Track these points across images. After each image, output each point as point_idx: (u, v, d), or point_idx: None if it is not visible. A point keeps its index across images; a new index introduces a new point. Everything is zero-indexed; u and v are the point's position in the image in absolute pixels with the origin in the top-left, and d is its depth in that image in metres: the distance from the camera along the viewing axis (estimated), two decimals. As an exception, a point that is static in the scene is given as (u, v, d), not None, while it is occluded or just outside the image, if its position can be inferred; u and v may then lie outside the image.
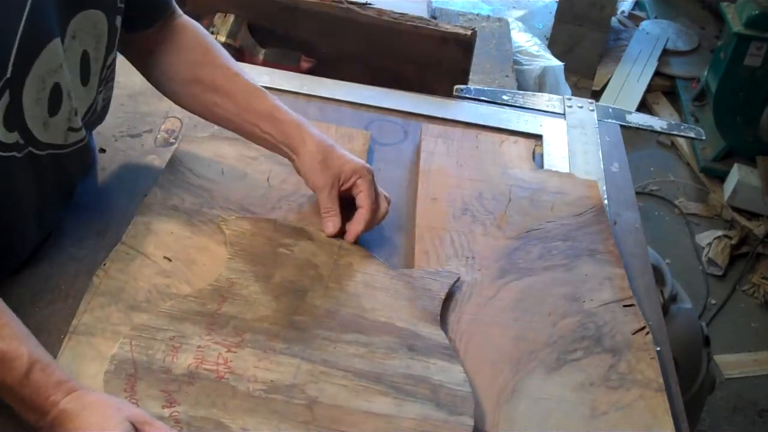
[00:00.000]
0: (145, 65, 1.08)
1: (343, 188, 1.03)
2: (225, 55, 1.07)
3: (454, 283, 0.99)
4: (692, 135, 1.48)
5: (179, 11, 1.08)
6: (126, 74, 1.31)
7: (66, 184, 1.01)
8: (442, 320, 0.95)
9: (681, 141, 3.16)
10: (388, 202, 1.07)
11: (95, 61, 0.95)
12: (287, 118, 1.03)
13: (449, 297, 0.99)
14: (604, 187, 1.24)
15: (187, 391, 0.80)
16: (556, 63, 2.21)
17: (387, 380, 0.85)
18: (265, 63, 1.45)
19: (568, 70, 2.40)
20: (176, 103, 1.10)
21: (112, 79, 1.03)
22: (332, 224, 1.02)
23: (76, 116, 0.92)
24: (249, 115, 1.04)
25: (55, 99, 0.87)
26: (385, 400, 0.83)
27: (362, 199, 1.02)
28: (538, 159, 1.30)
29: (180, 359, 0.83)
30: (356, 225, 1.02)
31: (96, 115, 1.02)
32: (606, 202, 1.21)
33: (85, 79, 0.95)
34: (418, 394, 0.84)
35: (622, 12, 3.91)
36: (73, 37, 0.89)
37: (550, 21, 3.46)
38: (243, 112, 1.04)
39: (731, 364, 2.33)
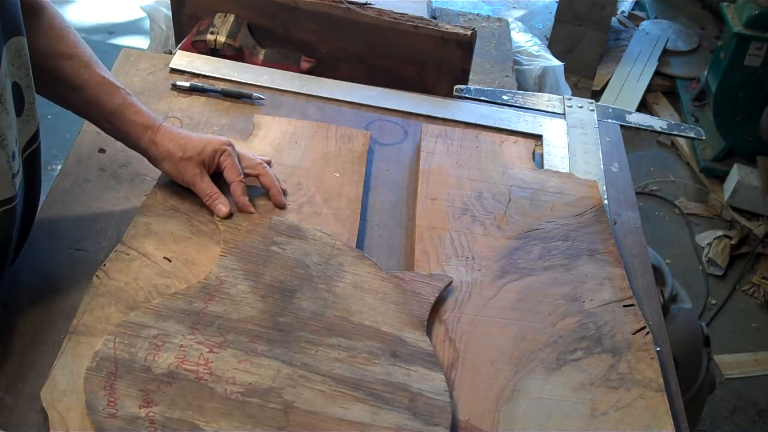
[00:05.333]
0: None
1: (212, 171, 1.05)
2: (78, 43, 1.00)
3: (446, 287, 0.99)
4: (692, 135, 1.47)
5: None
6: (125, 74, 1.31)
7: (21, 231, 0.94)
8: (438, 321, 0.95)
9: (681, 141, 3.16)
10: (270, 164, 1.12)
11: (28, 89, 0.89)
12: (135, 120, 1.01)
13: (448, 297, 0.99)
14: (604, 187, 1.24)
15: (165, 391, 0.80)
16: (556, 63, 2.21)
17: (365, 387, 0.84)
18: (265, 63, 1.44)
19: (568, 70, 2.39)
20: None
21: None
22: (222, 205, 1.03)
23: (14, 160, 0.85)
24: (98, 110, 1.01)
25: None
26: (361, 407, 0.82)
27: (228, 175, 1.05)
28: (538, 159, 1.30)
29: (162, 358, 0.83)
30: (239, 198, 1.04)
31: (38, 141, 0.95)
32: (606, 202, 1.21)
33: (19, 110, 0.88)
34: (396, 402, 0.83)
35: (622, 12, 3.91)
36: (5, 76, 0.83)
37: (550, 21, 3.46)
38: (91, 107, 1.01)
39: (731, 364, 2.33)
